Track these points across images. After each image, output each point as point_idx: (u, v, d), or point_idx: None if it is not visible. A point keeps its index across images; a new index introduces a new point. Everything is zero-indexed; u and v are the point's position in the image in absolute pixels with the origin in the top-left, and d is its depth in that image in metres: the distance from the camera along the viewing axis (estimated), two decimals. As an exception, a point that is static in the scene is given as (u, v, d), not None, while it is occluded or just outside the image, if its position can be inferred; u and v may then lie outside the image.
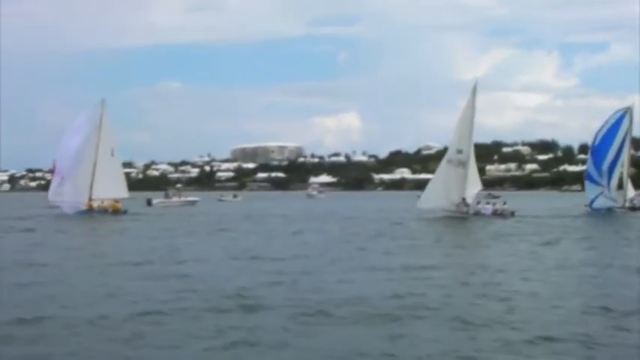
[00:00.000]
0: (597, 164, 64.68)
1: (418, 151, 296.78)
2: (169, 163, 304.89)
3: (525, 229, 46.34)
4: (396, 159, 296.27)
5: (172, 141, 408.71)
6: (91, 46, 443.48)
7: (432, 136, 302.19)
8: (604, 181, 63.72)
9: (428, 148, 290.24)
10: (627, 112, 65.60)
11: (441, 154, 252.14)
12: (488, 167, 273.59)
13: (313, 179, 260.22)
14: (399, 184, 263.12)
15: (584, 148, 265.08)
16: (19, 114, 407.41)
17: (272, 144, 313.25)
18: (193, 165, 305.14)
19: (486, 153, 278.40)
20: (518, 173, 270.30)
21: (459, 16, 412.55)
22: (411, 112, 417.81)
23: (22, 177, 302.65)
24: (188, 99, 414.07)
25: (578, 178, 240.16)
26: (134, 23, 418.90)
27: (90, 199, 65.29)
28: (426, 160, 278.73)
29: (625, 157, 65.64)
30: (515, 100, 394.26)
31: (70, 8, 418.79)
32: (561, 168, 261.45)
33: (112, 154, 67.87)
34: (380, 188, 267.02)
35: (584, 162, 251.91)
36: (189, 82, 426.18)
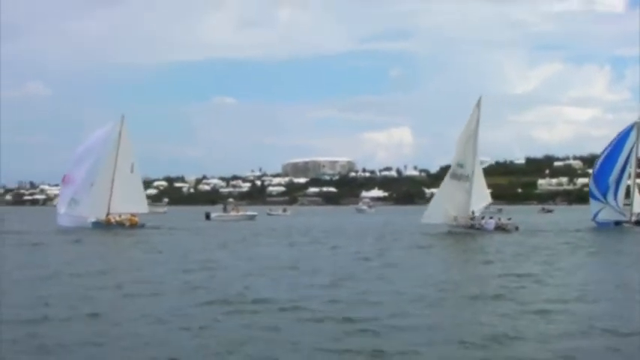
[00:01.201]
0: (598, 179, 65.16)
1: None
2: (221, 178, 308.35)
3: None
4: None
5: (224, 156, 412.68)
6: (144, 61, 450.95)
7: (481, 151, 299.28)
8: (610, 196, 63.95)
9: (480, 162, 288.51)
10: (635, 126, 65.58)
11: (492, 169, 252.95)
12: (540, 181, 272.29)
13: (364, 194, 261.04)
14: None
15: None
16: (70, 129, 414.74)
17: (323, 159, 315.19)
18: (244, 180, 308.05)
19: (538, 167, 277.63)
20: (569, 187, 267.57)
21: (509, 31, 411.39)
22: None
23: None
24: (240, 114, 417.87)
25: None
26: (187, 39, 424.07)
27: (108, 214, 66.74)
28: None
29: (632, 170, 65.79)
30: (566, 114, 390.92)
31: (123, 23, 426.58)
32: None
33: (132, 170, 69.02)
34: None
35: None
36: (241, 97, 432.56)
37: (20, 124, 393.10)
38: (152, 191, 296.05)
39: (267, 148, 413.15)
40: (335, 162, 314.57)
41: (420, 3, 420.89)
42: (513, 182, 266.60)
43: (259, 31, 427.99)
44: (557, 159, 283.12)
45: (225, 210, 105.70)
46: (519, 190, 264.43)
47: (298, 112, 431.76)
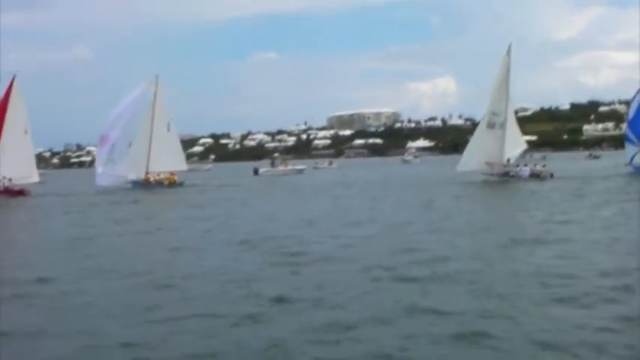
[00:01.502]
0: (633, 123, 64.52)
1: (515, 112, 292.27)
2: (266, 133, 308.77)
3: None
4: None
5: (268, 111, 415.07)
6: (184, 18, 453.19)
7: (528, 98, 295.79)
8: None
9: (524, 109, 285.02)
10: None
11: (537, 115, 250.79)
12: (586, 127, 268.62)
13: (410, 144, 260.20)
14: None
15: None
16: (114, 90, 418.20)
17: (368, 110, 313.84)
18: (290, 134, 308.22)
19: (583, 113, 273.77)
20: (616, 132, 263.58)
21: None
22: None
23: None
24: (282, 69, 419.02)
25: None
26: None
27: (147, 173, 67.77)
28: (522, 122, 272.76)
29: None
30: (611, 58, 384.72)
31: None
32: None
33: (168, 129, 70.18)
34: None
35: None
36: (283, 52, 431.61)
37: (65, 87, 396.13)
38: (198, 148, 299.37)
39: (312, 102, 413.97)
40: (379, 113, 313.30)
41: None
42: (559, 128, 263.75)
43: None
44: (603, 104, 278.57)
45: (273, 165, 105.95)
46: (565, 137, 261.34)
47: (341, 64, 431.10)
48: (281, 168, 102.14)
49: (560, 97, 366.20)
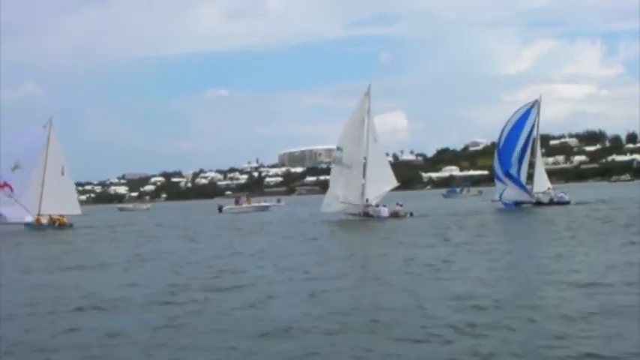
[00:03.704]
0: (502, 161, 66.64)
1: (465, 148, 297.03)
2: (218, 171, 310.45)
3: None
4: (444, 157, 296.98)
5: (220, 148, 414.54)
6: (135, 55, 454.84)
7: (478, 132, 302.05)
8: (514, 173, 65.58)
9: (475, 144, 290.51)
10: (535, 104, 67.50)
11: (488, 150, 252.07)
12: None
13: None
14: (447, 182, 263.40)
15: (632, 137, 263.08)
16: (66, 126, 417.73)
17: (319, 147, 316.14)
18: (242, 171, 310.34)
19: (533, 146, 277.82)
20: (566, 165, 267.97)
21: (500, 10, 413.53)
22: (456, 108, 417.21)
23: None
24: (234, 106, 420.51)
25: (628, 168, 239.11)
26: (176, 32, 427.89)
27: (38, 214, 68.91)
28: (473, 157, 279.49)
29: (537, 150, 67.69)
30: (560, 91, 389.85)
31: (112, 19, 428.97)
32: (610, 158, 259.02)
33: (62, 173, 71.18)
34: (429, 187, 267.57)
35: (632, 151, 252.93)
36: (234, 89, 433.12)
37: (12, 126, 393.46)
38: (150, 187, 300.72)
39: (263, 138, 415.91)
40: (331, 150, 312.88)
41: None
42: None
43: (249, 21, 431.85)
44: (553, 137, 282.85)
45: (237, 202, 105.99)
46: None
47: (291, 100, 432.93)
48: (245, 205, 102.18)
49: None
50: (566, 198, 67.65)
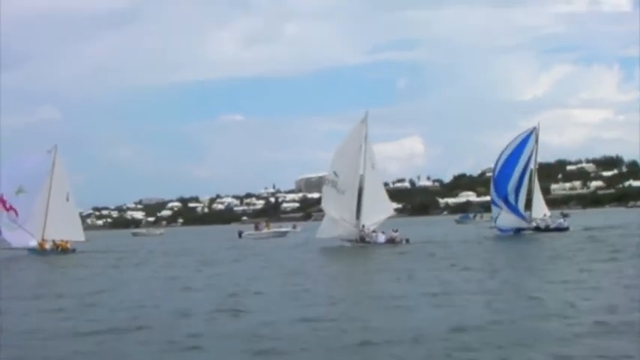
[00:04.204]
0: (498, 188, 66.70)
1: (482, 174, 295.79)
2: (234, 196, 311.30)
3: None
4: (461, 182, 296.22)
5: (237, 174, 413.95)
6: (151, 81, 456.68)
7: (495, 158, 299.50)
8: (512, 200, 65.65)
9: (491, 170, 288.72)
10: (533, 131, 67.61)
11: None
12: (553, 186, 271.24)
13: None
14: (464, 208, 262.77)
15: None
16: (83, 151, 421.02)
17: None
18: (258, 197, 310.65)
19: (550, 172, 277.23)
20: (583, 191, 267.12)
21: (517, 36, 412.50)
22: (473, 134, 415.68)
23: (89, 215, 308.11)
24: (250, 131, 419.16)
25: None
26: (193, 58, 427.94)
27: (42, 239, 69.63)
28: (490, 183, 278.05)
29: (534, 178, 67.80)
30: (576, 116, 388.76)
31: (128, 44, 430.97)
32: (626, 184, 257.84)
33: (67, 199, 71.81)
34: (445, 212, 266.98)
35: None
36: (250, 114, 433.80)
37: (30, 150, 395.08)
38: (167, 212, 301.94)
39: (280, 164, 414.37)
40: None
41: (425, 12, 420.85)
42: (527, 188, 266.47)
43: (266, 47, 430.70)
44: (570, 163, 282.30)
45: (256, 228, 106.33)
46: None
47: (308, 125, 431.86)
48: (264, 231, 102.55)
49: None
50: (565, 224, 67.84)
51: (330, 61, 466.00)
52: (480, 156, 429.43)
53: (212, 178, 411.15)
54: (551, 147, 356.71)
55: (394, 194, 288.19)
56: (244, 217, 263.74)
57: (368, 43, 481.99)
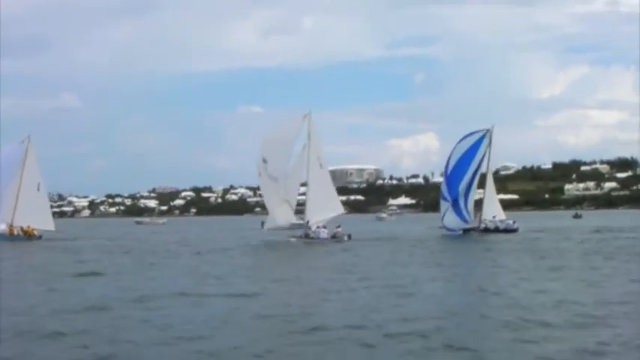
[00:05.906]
0: (450, 187, 67.33)
1: (496, 172, 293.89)
2: (248, 187, 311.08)
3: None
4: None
5: (252, 165, 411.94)
6: (170, 71, 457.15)
7: (509, 156, 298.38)
8: (461, 203, 66.33)
9: (506, 168, 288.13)
10: (487, 133, 68.13)
11: (519, 174, 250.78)
12: (567, 186, 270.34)
13: (392, 201, 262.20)
14: (478, 204, 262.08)
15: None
16: (100, 139, 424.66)
17: (350, 167, 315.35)
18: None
19: (565, 172, 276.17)
20: (597, 192, 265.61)
21: (535, 34, 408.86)
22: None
23: (102, 203, 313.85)
24: (267, 123, 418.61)
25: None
26: (212, 48, 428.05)
27: (11, 225, 71.54)
28: (504, 181, 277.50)
29: (487, 179, 68.36)
30: (593, 117, 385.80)
31: (148, 33, 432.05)
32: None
33: (38, 189, 73.57)
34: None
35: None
36: (267, 105, 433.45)
37: (49, 136, 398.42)
38: (180, 202, 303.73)
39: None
40: (362, 170, 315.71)
41: (445, 8, 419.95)
42: (541, 187, 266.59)
43: (285, 38, 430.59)
44: (584, 163, 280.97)
45: None
46: (547, 196, 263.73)
47: (325, 119, 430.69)
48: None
49: (541, 155, 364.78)
50: (515, 226, 68.47)
51: (348, 55, 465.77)
52: (495, 154, 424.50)
53: (227, 169, 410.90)
54: (566, 147, 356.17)
55: (408, 190, 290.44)
56: (257, 209, 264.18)
57: (386, 38, 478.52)
